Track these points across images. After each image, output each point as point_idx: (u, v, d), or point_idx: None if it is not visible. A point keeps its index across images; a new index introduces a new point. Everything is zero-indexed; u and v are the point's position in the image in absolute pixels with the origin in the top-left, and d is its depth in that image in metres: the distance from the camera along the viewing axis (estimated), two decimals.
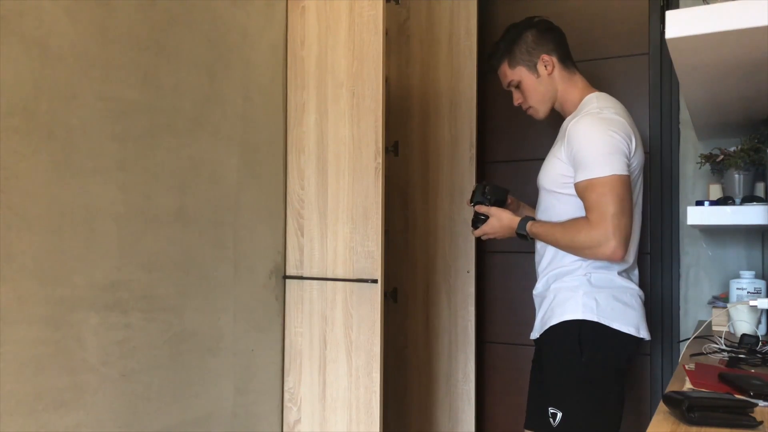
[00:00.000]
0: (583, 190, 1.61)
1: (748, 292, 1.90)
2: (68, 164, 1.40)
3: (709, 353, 1.58)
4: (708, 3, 1.06)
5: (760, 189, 1.81)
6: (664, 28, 1.09)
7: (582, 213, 1.65)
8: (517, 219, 1.78)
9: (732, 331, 1.83)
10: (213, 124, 1.80)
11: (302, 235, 2.06)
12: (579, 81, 1.81)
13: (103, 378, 1.48)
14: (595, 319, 1.63)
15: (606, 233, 1.55)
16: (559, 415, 1.63)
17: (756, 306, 1.63)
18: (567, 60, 1.81)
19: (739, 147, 1.81)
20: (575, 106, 1.76)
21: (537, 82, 1.80)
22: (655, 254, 2.34)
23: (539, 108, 1.83)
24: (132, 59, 1.55)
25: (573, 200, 1.67)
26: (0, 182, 1.27)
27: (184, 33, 1.70)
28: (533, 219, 1.78)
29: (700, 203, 1.71)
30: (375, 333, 1.91)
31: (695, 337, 1.75)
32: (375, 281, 1.90)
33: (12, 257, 1.29)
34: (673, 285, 2.31)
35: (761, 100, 1.55)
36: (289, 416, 2.05)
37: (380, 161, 1.91)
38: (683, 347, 1.73)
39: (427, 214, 2.56)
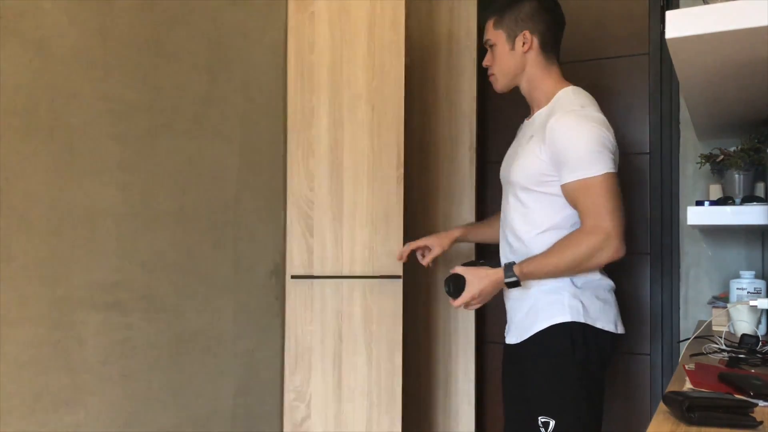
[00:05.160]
0: (574, 191, 1.57)
1: (748, 292, 1.90)
2: (68, 164, 1.40)
3: (709, 353, 1.58)
4: (708, 3, 1.06)
5: (760, 189, 1.81)
6: (664, 28, 1.09)
7: (560, 211, 1.63)
8: (499, 270, 1.65)
9: (732, 331, 1.82)
10: (213, 124, 1.80)
11: (311, 236, 2.07)
12: (554, 72, 1.74)
13: (103, 378, 1.48)
14: (582, 321, 1.60)
15: (607, 235, 1.53)
16: (552, 423, 1.58)
17: (756, 306, 1.63)
18: (549, 48, 1.73)
19: (739, 147, 1.81)
20: (547, 98, 1.71)
21: (509, 54, 1.73)
22: (655, 254, 2.34)
23: (500, 79, 1.78)
24: (132, 59, 1.55)
25: (550, 199, 1.63)
26: (0, 182, 1.27)
27: (184, 33, 1.70)
28: (512, 263, 1.65)
29: (700, 203, 1.70)
30: (397, 323, 2.09)
31: (695, 337, 1.75)
32: (399, 277, 2.08)
33: (12, 257, 1.29)
34: (673, 285, 2.31)
35: (761, 100, 1.55)
36: (296, 414, 2.05)
37: (401, 171, 2.07)
38: (683, 347, 1.72)
39: (427, 214, 2.55)
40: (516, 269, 1.62)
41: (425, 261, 2.03)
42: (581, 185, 1.56)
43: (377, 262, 2.08)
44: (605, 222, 1.53)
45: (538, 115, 1.72)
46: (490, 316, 2.61)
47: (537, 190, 1.66)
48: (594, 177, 1.54)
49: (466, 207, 2.49)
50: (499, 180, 1.88)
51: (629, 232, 2.37)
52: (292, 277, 2.05)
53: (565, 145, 1.57)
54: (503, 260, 1.77)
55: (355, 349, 2.07)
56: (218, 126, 1.82)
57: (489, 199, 2.61)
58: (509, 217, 1.75)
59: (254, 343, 1.96)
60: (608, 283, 1.69)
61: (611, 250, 1.54)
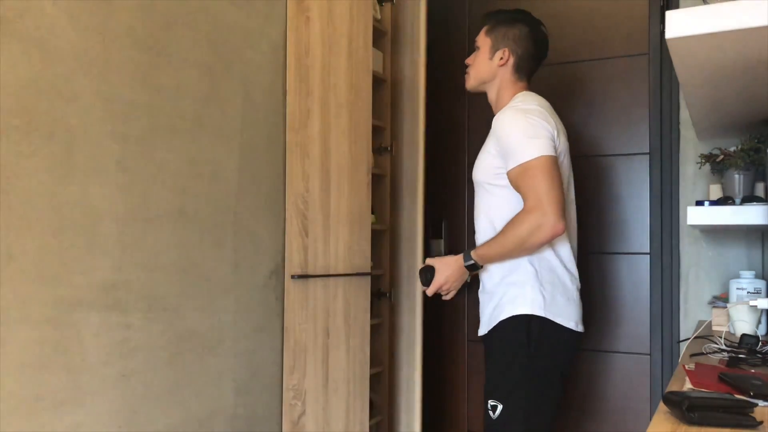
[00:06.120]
0: (515, 176, 1.68)
1: (748, 292, 1.91)
2: (68, 164, 1.40)
3: (709, 353, 1.58)
4: (708, 3, 1.06)
5: (760, 189, 1.81)
6: (664, 28, 1.09)
7: (516, 204, 1.71)
8: (460, 255, 1.79)
9: (732, 331, 1.83)
10: (213, 124, 1.80)
11: (306, 236, 2.10)
12: (520, 87, 1.88)
13: (103, 378, 1.48)
14: (542, 314, 1.68)
15: (543, 212, 1.61)
16: (500, 407, 1.66)
17: (756, 306, 1.63)
18: (521, 70, 1.87)
19: (739, 147, 1.81)
20: (506, 105, 1.85)
21: (486, 62, 1.88)
22: (655, 254, 2.34)
23: (471, 79, 1.93)
24: (132, 59, 1.55)
25: (505, 192, 1.74)
26: (0, 182, 1.27)
27: (184, 33, 1.70)
28: (471, 249, 1.79)
29: (700, 203, 1.71)
30: (366, 315, 2.28)
31: (695, 337, 1.75)
32: (368, 274, 2.27)
33: (12, 257, 1.29)
34: (673, 285, 2.31)
35: (761, 100, 1.55)
36: (294, 413, 2.06)
37: (369, 178, 2.29)
38: (683, 347, 1.73)
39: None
40: (473, 253, 1.76)
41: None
42: (520, 169, 1.66)
43: (354, 260, 2.24)
44: (542, 201, 1.62)
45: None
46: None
47: (494, 183, 1.77)
48: (529, 161, 1.64)
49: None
50: None
51: (629, 231, 2.38)
52: (292, 276, 2.05)
53: (504, 136, 1.71)
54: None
55: (338, 342, 2.19)
56: (218, 126, 1.82)
57: None
58: (475, 214, 1.87)
59: (254, 343, 1.96)
60: (571, 280, 1.76)
61: (549, 226, 1.61)
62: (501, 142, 1.71)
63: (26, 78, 1.32)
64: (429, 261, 1.83)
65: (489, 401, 1.69)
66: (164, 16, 1.64)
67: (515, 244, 1.67)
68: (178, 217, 1.69)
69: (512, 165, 1.68)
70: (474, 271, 1.78)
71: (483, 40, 1.90)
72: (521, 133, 1.68)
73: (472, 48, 1.97)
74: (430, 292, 1.82)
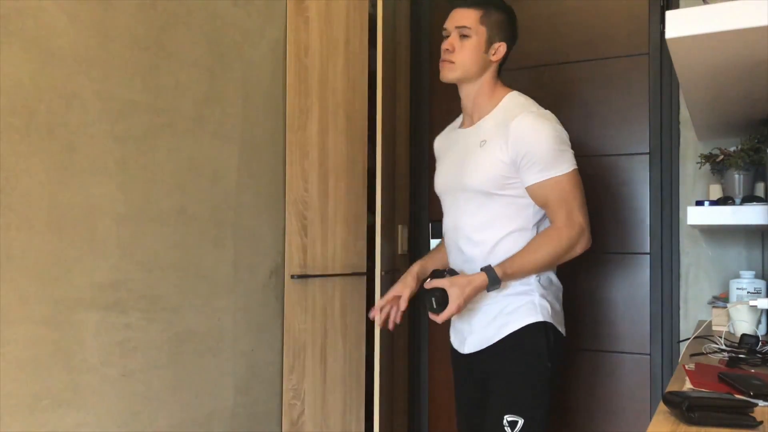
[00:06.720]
0: (546, 189, 1.59)
1: (748, 292, 1.90)
2: (68, 164, 1.40)
3: (709, 353, 1.58)
4: (708, 3, 1.06)
5: (760, 189, 1.80)
6: (664, 28, 1.09)
7: (523, 213, 1.63)
8: (480, 274, 1.57)
9: (732, 331, 1.82)
10: (213, 124, 1.80)
11: (306, 236, 2.10)
12: (500, 84, 1.72)
13: (103, 378, 1.48)
14: (551, 321, 1.63)
15: (580, 228, 1.61)
16: (521, 422, 1.56)
17: (756, 306, 1.63)
18: (502, 64, 1.73)
19: (739, 147, 1.80)
20: (492, 104, 1.69)
21: (480, 54, 1.67)
22: (655, 254, 2.34)
23: (457, 70, 1.68)
24: (132, 59, 1.55)
25: (513, 201, 1.63)
26: (0, 182, 1.27)
27: (184, 33, 1.70)
28: (489, 266, 1.58)
29: (700, 203, 1.70)
30: (362, 315, 2.26)
31: (695, 337, 1.75)
32: (364, 273, 2.26)
33: (12, 257, 1.29)
34: (673, 285, 2.31)
35: (761, 100, 1.54)
36: (293, 412, 2.07)
37: (366, 178, 2.26)
38: (683, 347, 1.72)
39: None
40: (498, 271, 1.57)
41: (397, 319, 1.76)
42: (552, 183, 1.59)
43: (350, 259, 2.23)
44: (578, 216, 1.60)
45: (486, 121, 1.69)
46: None
47: (500, 193, 1.64)
48: (563, 174, 1.59)
49: None
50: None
51: (630, 232, 2.38)
52: (292, 276, 2.05)
53: (531, 146, 1.57)
54: (456, 269, 1.68)
55: (335, 341, 2.20)
56: (218, 126, 1.82)
57: None
58: (464, 225, 1.71)
59: (254, 343, 1.96)
60: (560, 285, 1.75)
61: (585, 241, 1.63)
62: (526, 152, 1.57)
63: (26, 78, 1.32)
64: (438, 283, 1.58)
65: (506, 417, 1.57)
66: (164, 15, 1.64)
67: (550, 261, 1.61)
68: (178, 217, 1.69)
69: (541, 178, 1.58)
70: (493, 290, 1.59)
71: (477, 29, 1.66)
72: (552, 145, 1.57)
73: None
74: (441, 319, 1.56)
